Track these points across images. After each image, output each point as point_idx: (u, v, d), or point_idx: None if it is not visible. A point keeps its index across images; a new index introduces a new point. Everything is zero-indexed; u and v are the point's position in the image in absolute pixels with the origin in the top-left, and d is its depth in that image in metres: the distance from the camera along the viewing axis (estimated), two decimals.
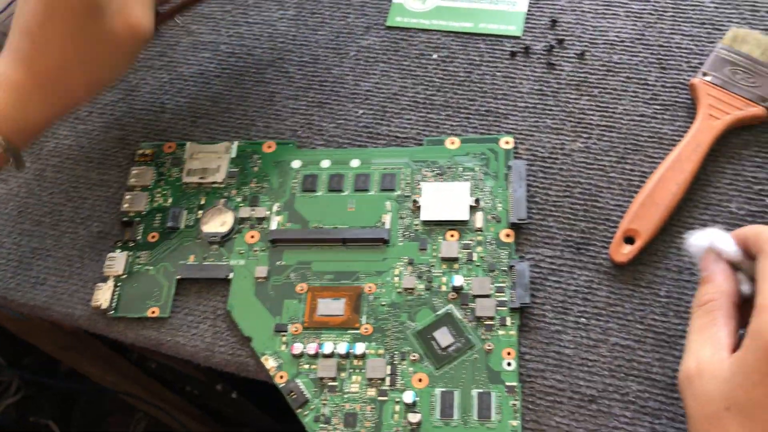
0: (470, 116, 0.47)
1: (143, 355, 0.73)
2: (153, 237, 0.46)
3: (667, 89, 0.46)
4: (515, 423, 0.38)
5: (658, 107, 0.46)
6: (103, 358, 0.69)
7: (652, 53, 0.48)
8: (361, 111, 0.49)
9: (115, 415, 1.00)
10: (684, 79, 0.46)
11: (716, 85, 0.45)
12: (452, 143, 0.46)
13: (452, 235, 0.43)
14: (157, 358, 0.72)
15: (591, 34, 0.49)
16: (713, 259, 0.36)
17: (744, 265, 0.35)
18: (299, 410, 0.40)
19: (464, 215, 0.43)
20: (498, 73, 0.49)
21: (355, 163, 0.46)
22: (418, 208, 0.44)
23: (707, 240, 0.36)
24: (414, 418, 0.38)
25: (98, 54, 0.41)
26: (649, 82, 0.47)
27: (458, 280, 0.41)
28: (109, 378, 0.74)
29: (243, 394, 0.68)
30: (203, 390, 0.75)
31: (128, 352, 0.73)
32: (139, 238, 0.46)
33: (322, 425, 0.39)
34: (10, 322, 0.62)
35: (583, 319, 0.40)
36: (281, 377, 0.41)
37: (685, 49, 0.47)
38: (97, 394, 0.96)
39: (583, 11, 0.50)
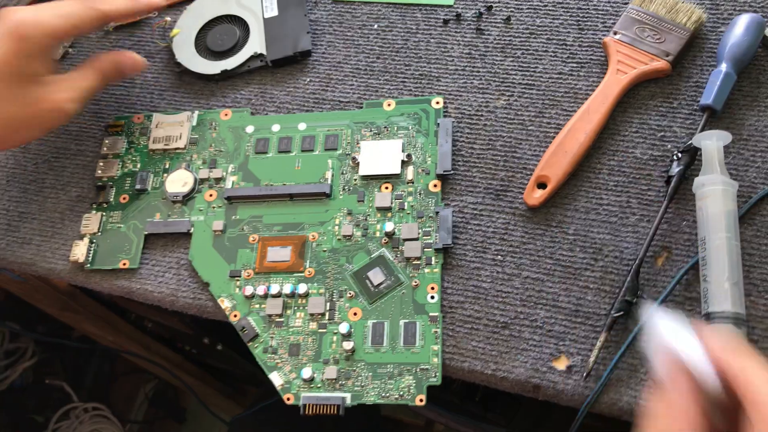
0: (406, 80, 0.52)
1: (139, 315, 0.79)
2: (124, 198, 0.51)
3: (583, 48, 0.50)
4: (436, 347, 0.43)
5: (574, 65, 0.50)
6: (101, 318, 0.75)
7: (571, 16, 0.52)
8: (308, 79, 0.54)
9: (125, 376, 1.08)
10: (598, 39, 0.50)
11: (625, 42, 0.49)
12: (389, 105, 0.51)
13: (386, 187, 0.48)
14: (150, 317, 0.78)
15: (517, 1, 0.53)
16: (678, 373, 0.28)
17: (718, 399, 0.28)
18: (250, 343, 0.45)
19: (396, 169, 0.48)
20: (432, 40, 0.53)
21: (302, 126, 0.51)
22: (357, 164, 0.49)
23: (677, 342, 0.29)
24: (348, 345, 0.44)
25: (20, 120, 0.46)
26: (568, 43, 0.51)
27: (389, 226, 0.46)
28: (110, 338, 0.80)
29: (227, 346, 0.74)
30: (197, 346, 0.81)
31: (126, 312, 0.79)
32: (111, 200, 0.51)
33: (270, 355, 0.45)
34: (12, 284, 0.68)
35: (499, 257, 0.45)
36: (235, 316, 0.46)
37: (602, 10, 0.52)
38: (107, 357, 1.03)
39: None
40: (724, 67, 0.46)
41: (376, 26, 0.55)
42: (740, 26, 0.47)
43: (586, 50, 0.50)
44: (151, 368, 0.93)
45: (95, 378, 1.06)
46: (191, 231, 0.49)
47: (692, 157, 0.44)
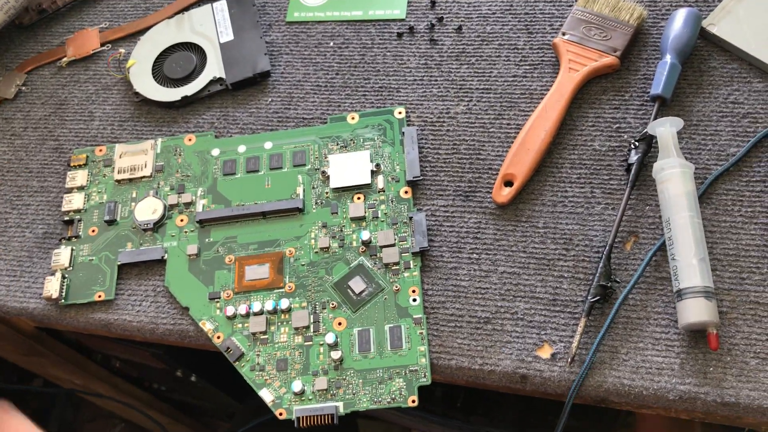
0: (366, 93, 0.53)
1: (106, 355, 0.78)
2: (93, 231, 0.51)
3: (534, 51, 0.53)
4: (423, 348, 0.44)
5: (527, 67, 0.52)
6: (67, 360, 0.73)
7: (519, 21, 0.54)
8: (269, 99, 0.54)
9: (92, 422, 1.04)
10: (548, 41, 0.53)
11: (574, 42, 0.51)
12: (353, 119, 0.52)
13: (358, 198, 0.49)
14: (118, 355, 0.76)
15: (466, 10, 0.55)
16: None
17: None
18: (237, 363, 0.45)
19: (366, 179, 0.49)
20: (388, 53, 0.54)
21: (268, 145, 0.52)
22: (327, 178, 0.50)
23: None
24: (336, 354, 0.44)
25: None
26: (519, 46, 0.53)
27: (365, 235, 0.47)
28: (77, 381, 0.78)
29: (201, 376, 0.73)
30: (168, 382, 0.80)
31: (92, 352, 0.77)
32: (80, 233, 0.51)
33: (258, 373, 0.45)
34: None
35: (474, 255, 0.46)
36: (218, 337, 0.46)
37: (548, 13, 0.54)
38: (72, 403, 1.00)
39: None
40: (668, 58, 0.48)
41: (332, 44, 0.56)
42: (679, 20, 0.50)
43: (537, 52, 0.52)
44: (119, 410, 0.90)
45: (60, 425, 1.02)
46: (165, 257, 0.49)
47: (648, 145, 0.47)
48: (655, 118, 0.47)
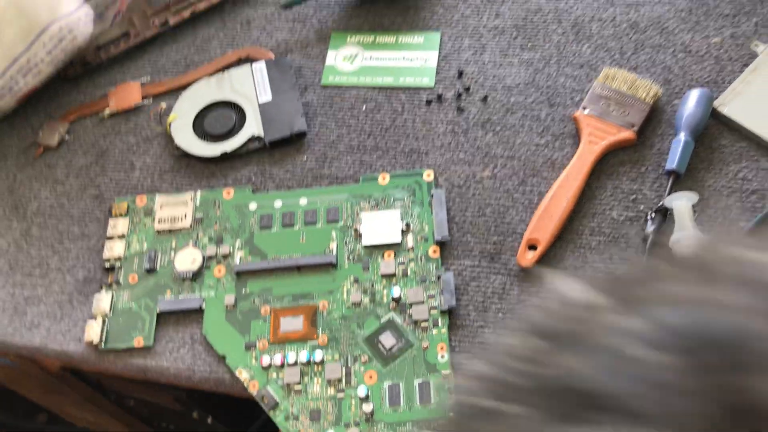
0: (397, 155, 0.56)
1: (121, 394, 0.79)
2: (133, 278, 0.53)
3: (555, 122, 0.56)
4: None
5: (549, 137, 0.55)
6: (84, 398, 0.75)
7: (542, 93, 0.57)
8: (305, 157, 0.57)
9: None
10: (569, 113, 0.56)
11: (594, 116, 0.55)
12: (384, 179, 0.55)
13: (389, 255, 0.52)
14: (134, 395, 0.78)
15: (491, 81, 0.59)
16: None
17: None
18: (271, 412, 0.47)
19: (397, 238, 0.52)
20: (417, 119, 0.58)
21: (303, 201, 0.55)
22: (360, 235, 0.53)
23: None
24: (367, 408, 0.46)
25: None
26: (541, 118, 0.56)
27: (396, 292, 0.50)
28: (89, 418, 0.80)
29: (217, 419, 0.74)
30: (180, 423, 0.81)
31: (107, 391, 0.79)
32: (121, 280, 0.53)
33: (292, 422, 0.47)
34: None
35: (500, 315, 0.49)
36: (254, 386, 0.48)
37: (569, 88, 0.57)
38: None
39: (484, 62, 0.60)
40: (682, 135, 0.52)
41: (364, 107, 0.59)
42: (692, 99, 0.53)
43: (558, 124, 0.56)
44: None
45: None
46: (203, 307, 0.51)
47: (664, 216, 0.50)
48: (669, 192, 0.51)
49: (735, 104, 0.54)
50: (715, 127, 0.54)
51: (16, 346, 0.53)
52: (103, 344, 0.51)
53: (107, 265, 0.54)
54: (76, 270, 0.55)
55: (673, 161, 0.51)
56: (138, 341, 0.51)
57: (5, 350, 0.53)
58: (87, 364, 0.52)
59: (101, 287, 0.53)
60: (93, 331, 0.51)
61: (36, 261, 0.55)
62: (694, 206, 0.50)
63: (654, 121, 0.55)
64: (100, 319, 0.51)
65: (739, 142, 0.53)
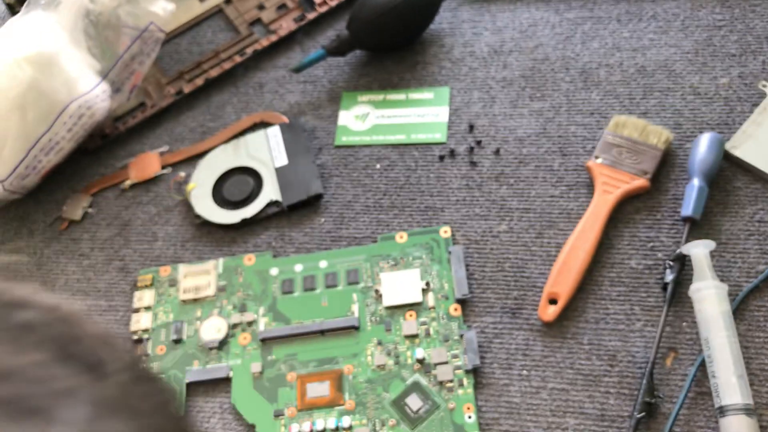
0: (413, 213, 0.57)
1: None
2: (161, 349, 0.54)
3: (569, 172, 0.57)
4: None
5: (563, 188, 0.56)
6: None
7: (554, 143, 0.58)
8: (323, 219, 0.58)
9: None
10: (581, 162, 0.57)
11: (606, 165, 0.55)
12: (401, 237, 0.56)
13: (411, 315, 0.52)
14: None
15: (503, 134, 0.59)
16: None
17: None
18: None
19: (418, 297, 0.53)
20: (431, 174, 0.59)
21: (323, 264, 0.56)
22: (380, 296, 0.53)
23: None
24: None
25: None
26: (554, 168, 0.57)
27: (420, 353, 0.50)
28: None
29: None
30: None
31: None
32: (149, 352, 0.54)
33: None
34: None
35: (524, 371, 0.49)
36: None
37: (580, 136, 0.58)
38: None
39: (494, 115, 0.60)
40: (696, 181, 0.52)
41: (378, 166, 0.60)
42: (704, 144, 0.54)
43: (572, 173, 0.56)
44: None
45: None
46: (230, 375, 0.52)
47: (682, 264, 0.50)
48: (686, 238, 0.51)
49: (747, 146, 0.54)
50: (728, 170, 0.54)
51: None
52: None
53: (135, 337, 0.55)
54: None
55: (688, 208, 0.51)
56: None
57: None
58: None
59: None
60: None
61: None
62: (712, 251, 0.50)
63: (667, 166, 0.55)
64: None
65: (754, 183, 0.53)
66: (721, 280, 0.48)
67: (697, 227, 0.52)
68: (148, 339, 0.55)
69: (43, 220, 0.63)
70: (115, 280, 0.58)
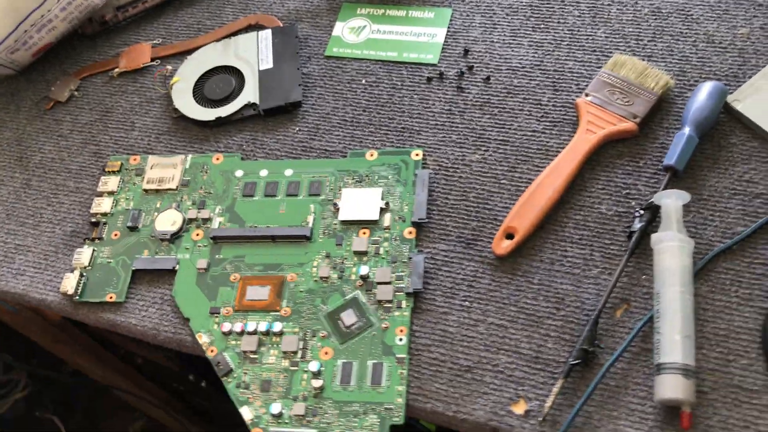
0: (389, 132, 0.55)
1: (130, 351, 0.81)
2: (116, 235, 0.54)
3: (557, 108, 0.53)
4: (401, 388, 0.45)
5: (547, 123, 0.53)
6: (91, 351, 0.77)
7: (547, 77, 0.55)
8: (297, 128, 0.56)
9: (114, 413, 1.08)
10: (572, 99, 0.53)
11: (596, 104, 0.51)
12: (371, 155, 0.54)
13: (364, 233, 0.50)
14: (139, 352, 0.80)
15: (497, 62, 0.56)
16: None
17: None
18: (224, 378, 0.47)
19: (375, 216, 0.51)
20: (415, 96, 0.56)
21: (288, 172, 0.54)
22: (338, 210, 0.52)
23: None
24: (317, 383, 0.45)
25: None
26: (542, 102, 0.54)
27: (364, 270, 0.49)
28: (100, 372, 0.82)
29: (211, 383, 0.75)
30: (184, 384, 0.83)
31: (116, 347, 0.81)
32: (104, 235, 0.54)
33: (242, 390, 0.47)
34: (6, 315, 0.70)
35: (466, 303, 0.47)
36: (212, 351, 0.48)
37: (576, 73, 0.54)
38: (98, 393, 1.04)
39: (492, 41, 0.57)
40: (687, 130, 0.48)
41: (363, 81, 0.58)
42: (703, 92, 0.49)
43: (560, 110, 0.53)
44: (140, 405, 0.94)
45: (85, 413, 1.07)
46: (176, 268, 0.52)
47: (653, 215, 0.47)
48: (664, 189, 0.47)
49: (751, 100, 0.50)
50: (726, 124, 0.50)
51: (1, 291, 0.54)
52: (78, 296, 0.52)
53: (93, 219, 0.55)
54: (66, 223, 0.56)
55: (672, 156, 0.48)
56: (110, 296, 0.51)
57: None
58: (63, 314, 0.53)
59: (85, 241, 0.54)
60: (69, 284, 0.52)
61: (31, 211, 0.57)
62: (688, 206, 0.46)
63: (662, 113, 0.51)
64: (78, 273, 0.52)
65: (751, 141, 0.49)
66: (692, 237, 0.45)
67: (679, 179, 0.48)
68: (105, 223, 0.54)
69: (32, 98, 0.63)
70: (87, 164, 0.58)
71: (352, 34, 0.60)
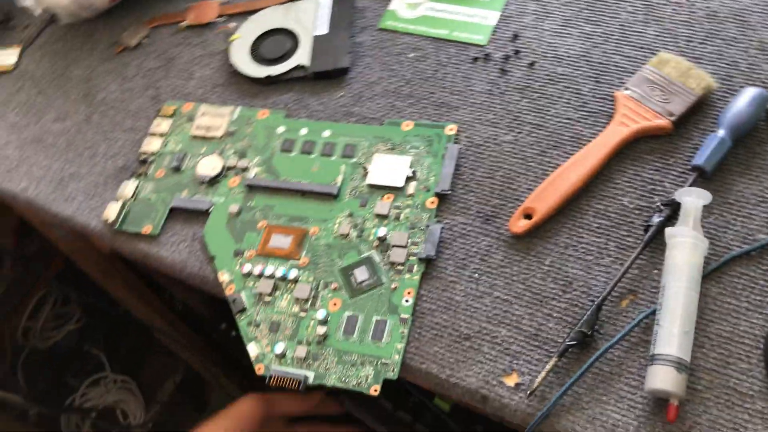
0: (427, 106, 0.56)
1: (172, 295, 0.85)
2: (160, 173, 0.57)
3: (596, 99, 0.53)
4: (400, 346, 0.46)
5: (584, 113, 0.53)
6: (136, 290, 0.82)
7: (591, 69, 0.55)
8: (341, 93, 0.58)
9: (157, 356, 1.14)
10: (612, 92, 0.53)
11: (634, 98, 0.52)
12: (407, 126, 0.55)
13: (388, 198, 0.52)
14: (177, 295, 0.84)
15: (544, 49, 0.57)
16: None
17: None
18: (238, 314, 0.50)
19: (400, 182, 0.52)
20: (458, 74, 0.57)
21: (326, 133, 0.56)
22: (367, 173, 0.53)
23: None
24: (321, 330, 0.47)
25: None
26: (582, 92, 0.54)
27: (382, 232, 0.50)
28: (143, 310, 0.87)
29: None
30: (217, 332, 0.86)
31: (159, 290, 0.85)
32: (150, 172, 0.57)
33: (252, 328, 0.49)
34: (61, 241, 0.75)
35: (476, 275, 0.48)
36: (230, 289, 0.51)
37: (621, 68, 0.54)
38: (144, 333, 1.10)
39: (543, 29, 0.58)
40: (720, 132, 0.48)
41: (411, 55, 0.59)
42: (745, 97, 0.49)
43: (599, 101, 0.53)
44: (179, 351, 0.98)
45: (129, 352, 1.12)
46: (210, 210, 0.54)
47: (674, 211, 0.46)
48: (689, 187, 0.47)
49: None
50: (765, 132, 0.49)
51: (51, 212, 0.58)
52: (117, 225, 0.55)
53: (142, 157, 0.58)
54: (118, 158, 0.59)
55: (701, 157, 0.47)
56: (147, 228, 0.55)
57: (44, 215, 0.59)
58: (102, 240, 0.56)
59: (132, 176, 0.58)
60: (111, 212, 0.55)
61: (89, 144, 0.61)
62: (711, 208, 0.46)
63: (700, 115, 0.51)
64: (120, 203, 0.56)
65: None
66: (711, 238, 0.45)
67: (707, 181, 0.48)
68: (152, 162, 0.58)
69: (106, 41, 0.67)
70: (145, 106, 0.62)
71: (409, 9, 0.62)
